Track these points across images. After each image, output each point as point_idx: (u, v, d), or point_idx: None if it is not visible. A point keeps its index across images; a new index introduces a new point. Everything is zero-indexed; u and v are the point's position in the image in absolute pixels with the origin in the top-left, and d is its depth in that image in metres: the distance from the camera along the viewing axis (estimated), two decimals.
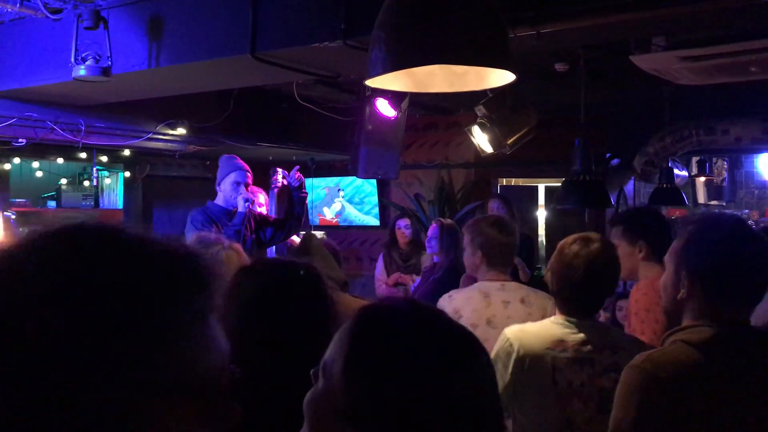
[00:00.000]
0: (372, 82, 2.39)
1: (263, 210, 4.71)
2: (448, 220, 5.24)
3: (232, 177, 4.22)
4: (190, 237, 4.21)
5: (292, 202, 4.57)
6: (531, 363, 2.03)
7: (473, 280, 2.97)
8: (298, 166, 4.57)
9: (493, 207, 5.41)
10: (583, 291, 2.10)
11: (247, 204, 4.12)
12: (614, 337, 2.15)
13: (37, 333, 0.57)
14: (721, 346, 1.53)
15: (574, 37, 2.99)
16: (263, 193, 4.91)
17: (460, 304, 2.69)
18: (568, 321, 2.08)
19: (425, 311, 0.92)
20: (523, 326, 2.14)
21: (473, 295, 2.70)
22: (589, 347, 2.04)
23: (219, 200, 4.23)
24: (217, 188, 4.29)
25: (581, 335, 2.05)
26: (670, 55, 3.31)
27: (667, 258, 1.70)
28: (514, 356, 2.04)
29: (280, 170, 4.89)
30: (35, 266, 0.61)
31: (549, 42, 2.82)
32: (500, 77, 2.38)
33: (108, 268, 0.62)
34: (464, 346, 0.89)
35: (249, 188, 4.23)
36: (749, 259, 1.58)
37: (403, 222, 5.76)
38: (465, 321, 2.52)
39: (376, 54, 2.27)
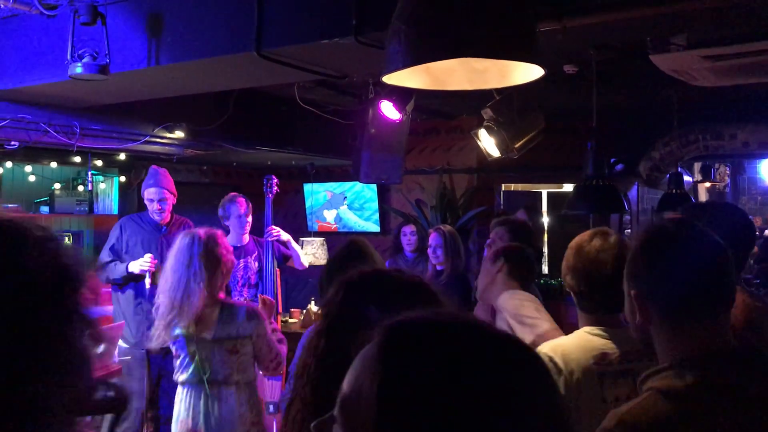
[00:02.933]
0: (389, 79, 2.26)
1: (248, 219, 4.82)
2: (448, 227, 5.13)
3: (147, 193, 4.61)
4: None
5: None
6: (579, 382, 1.84)
7: None
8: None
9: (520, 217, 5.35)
10: (614, 286, 1.96)
11: (140, 269, 4.39)
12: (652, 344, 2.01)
13: None
14: (697, 394, 1.29)
15: (598, 33, 2.87)
16: (246, 204, 4.89)
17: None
18: (605, 330, 1.92)
19: (467, 320, 0.76)
20: (558, 341, 1.96)
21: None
22: (630, 357, 1.88)
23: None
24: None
25: (621, 345, 1.90)
26: (692, 54, 3.19)
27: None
28: (561, 377, 1.83)
29: (274, 178, 4.96)
30: None
31: (573, 38, 2.70)
32: (525, 73, 2.25)
33: None
34: (524, 356, 0.74)
35: (160, 204, 4.57)
36: (697, 269, 1.36)
37: (409, 228, 5.65)
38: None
39: (394, 48, 2.14)
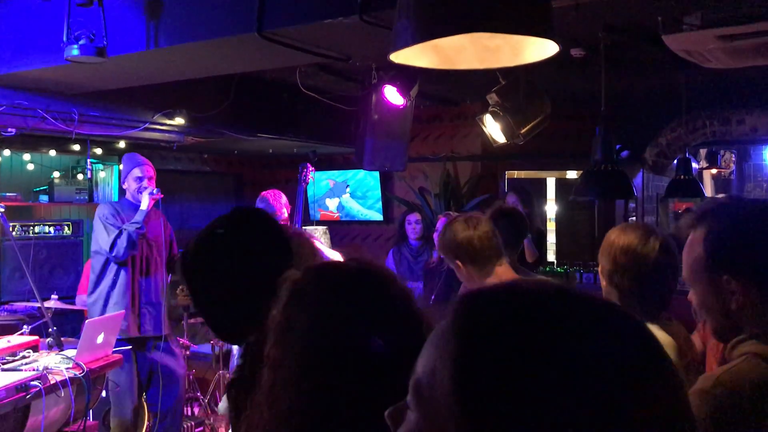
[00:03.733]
0: (396, 57, 2.17)
1: (284, 211, 4.83)
2: (456, 213, 5.06)
3: (134, 173, 4.54)
4: (98, 230, 4.47)
5: None
6: None
7: None
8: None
9: (510, 201, 5.22)
10: (660, 281, 1.92)
11: (151, 197, 4.42)
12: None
13: None
14: None
15: (609, 11, 2.77)
16: (282, 197, 4.88)
17: None
18: (660, 328, 1.86)
19: (554, 285, 0.64)
20: None
21: None
22: (683, 353, 1.83)
23: (127, 196, 4.62)
24: (122, 186, 4.68)
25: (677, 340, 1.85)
26: (706, 34, 3.10)
27: (688, 268, 1.40)
28: None
29: (309, 166, 4.92)
30: None
31: (584, 17, 2.61)
32: (539, 50, 2.16)
33: None
34: (629, 325, 0.62)
35: (151, 182, 4.53)
36: None
37: (414, 217, 5.58)
38: None
39: (403, 24, 2.05)
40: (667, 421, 0.57)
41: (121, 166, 6.45)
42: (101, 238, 4.43)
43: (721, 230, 1.36)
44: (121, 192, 6.49)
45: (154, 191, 4.42)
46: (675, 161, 6.33)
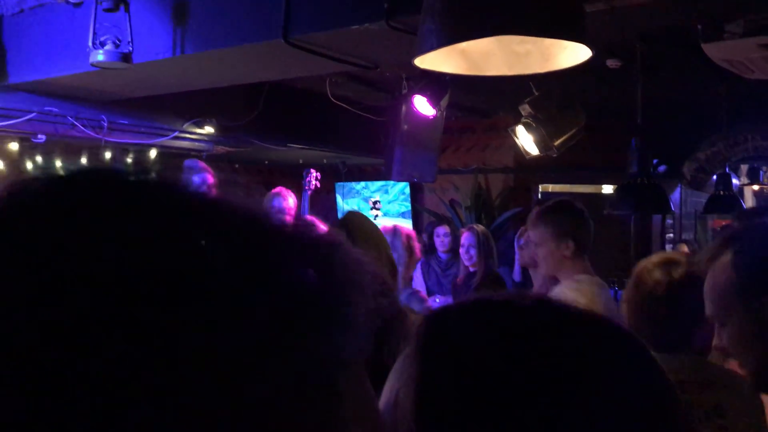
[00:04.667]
0: (421, 62, 2.09)
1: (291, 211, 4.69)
2: (481, 227, 4.96)
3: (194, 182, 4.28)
4: None
5: None
6: None
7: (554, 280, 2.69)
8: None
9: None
10: (666, 327, 1.73)
11: None
12: (710, 371, 1.77)
13: None
14: None
15: (646, 17, 2.66)
16: (292, 195, 4.77)
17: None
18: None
19: (527, 297, 0.58)
20: None
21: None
22: (684, 388, 1.65)
23: None
24: None
25: (674, 374, 1.68)
26: (748, 43, 2.97)
27: (715, 302, 1.18)
28: None
29: (313, 171, 4.79)
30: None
31: (619, 25, 2.50)
32: (571, 56, 2.06)
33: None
34: (609, 333, 0.56)
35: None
36: None
37: (443, 229, 5.49)
38: None
39: (428, 27, 1.97)
40: None
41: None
42: None
43: (755, 248, 1.14)
44: None
45: None
46: (714, 177, 6.14)
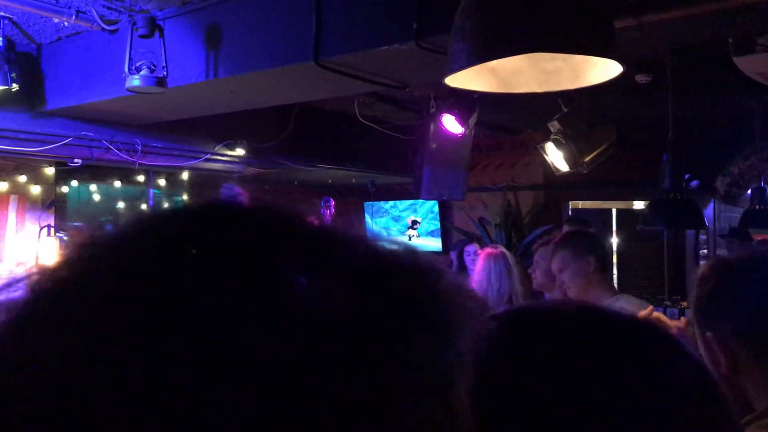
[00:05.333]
0: (452, 80, 2.11)
1: None
2: (503, 249, 4.93)
3: None
4: None
5: None
6: None
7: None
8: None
9: None
10: None
11: None
12: None
13: None
14: None
15: (676, 32, 2.65)
16: None
17: None
18: None
19: (576, 305, 0.59)
20: None
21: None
22: None
23: None
24: None
25: None
26: None
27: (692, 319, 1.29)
28: None
29: (332, 200, 4.85)
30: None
31: (649, 40, 2.50)
32: (602, 72, 2.06)
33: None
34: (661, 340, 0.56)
35: None
36: None
37: (472, 248, 5.47)
38: None
39: (458, 45, 1.99)
40: None
41: (185, 198, 6.60)
42: None
43: (714, 281, 1.23)
44: None
45: None
46: (749, 191, 6.05)
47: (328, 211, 4.98)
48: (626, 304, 2.42)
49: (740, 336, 1.14)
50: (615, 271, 7.63)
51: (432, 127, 5.07)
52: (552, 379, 0.51)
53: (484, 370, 0.52)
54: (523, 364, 0.52)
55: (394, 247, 0.39)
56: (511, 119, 6.38)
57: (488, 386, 0.51)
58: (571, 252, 2.61)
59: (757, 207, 5.37)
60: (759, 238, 7.20)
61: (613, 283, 2.61)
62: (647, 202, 4.54)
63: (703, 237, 7.02)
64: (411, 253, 0.39)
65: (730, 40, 3.23)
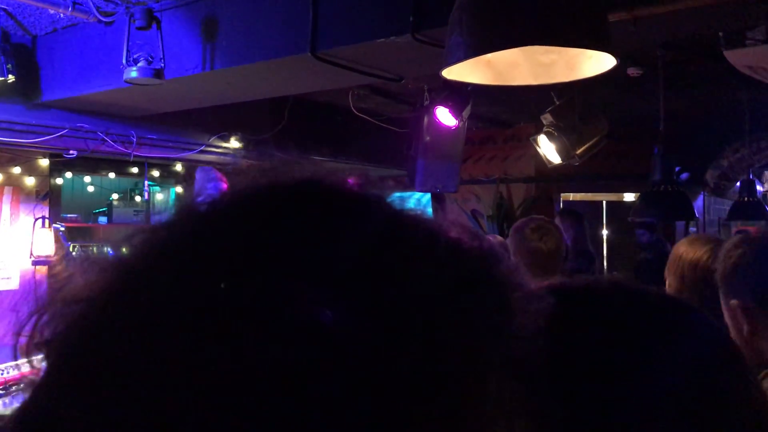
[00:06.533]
0: (448, 73, 2.14)
1: None
2: (500, 238, 4.99)
3: (208, 190, 4.12)
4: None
5: None
6: None
7: None
8: None
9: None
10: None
11: None
12: None
13: None
14: None
15: (669, 26, 2.70)
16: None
17: None
18: None
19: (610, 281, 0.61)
20: None
21: None
22: None
23: None
24: None
25: None
26: None
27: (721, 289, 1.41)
28: None
29: None
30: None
31: (642, 34, 2.54)
32: (596, 64, 2.10)
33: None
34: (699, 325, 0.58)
35: None
36: None
37: None
38: None
39: (455, 39, 2.02)
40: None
41: (179, 189, 6.61)
42: None
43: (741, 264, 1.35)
44: None
45: None
46: (738, 183, 6.12)
47: None
48: None
49: (760, 304, 1.26)
50: (605, 261, 7.71)
51: (426, 119, 5.10)
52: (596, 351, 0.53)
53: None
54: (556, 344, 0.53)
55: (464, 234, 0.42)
56: (504, 112, 6.43)
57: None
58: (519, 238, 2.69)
59: (746, 199, 5.44)
60: (739, 228, 7.29)
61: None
62: (638, 194, 4.60)
63: (693, 229, 7.09)
64: (476, 238, 0.42)
65: (720, 33, 3.28)
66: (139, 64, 3.09)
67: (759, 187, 7.19)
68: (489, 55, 2.17)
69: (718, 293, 1.84)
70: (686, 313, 0.59)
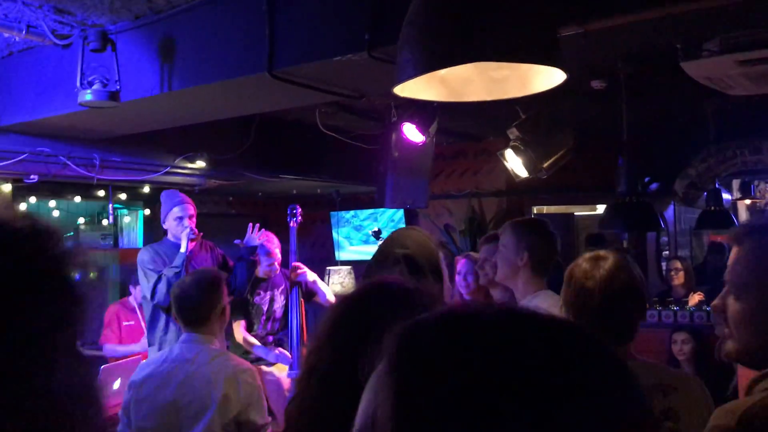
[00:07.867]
0: (401, 90, 2.12)
1: (277, 252, 4.69)
2: (477, 254, 4.96)
3: (174, 212, 4.31)
4: (140, 277, 4.19)
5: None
6: None
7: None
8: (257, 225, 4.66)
9: None
10: (603, 318, 1.79)
11: (189, 240, 4.22)
12: (662, 374, 1.80)
13: None
14: None
15: (623, 39, 2.71)
16: (275, 239, 4.74)
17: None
18: None
19: (501, 309, 0.58)
20: None
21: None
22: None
23: (169, 236, 4.36)
24: (163, 226, 4.42)
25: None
26: (726, 60, 3.01)
27: (735, 270, 1.35)
28: None
29: (299, 208, 4.78)
30: None
31: (598, 47, 2.54)
32: (547, 80, 2.09)
33: None
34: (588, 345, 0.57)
35: (191, 221, 4.32)
36: None
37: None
38: None
39: (405, 55, 2.00)
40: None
41: (147, 212, 6.53)
42: (143, 284, 4.21)
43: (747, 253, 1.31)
44: (146, 237, 6.53)
45: (193, 234, 4.22)
46: (706, 193, 6.18)
47: (296, 219, 4.88)
48: (542, 302, 2.46)
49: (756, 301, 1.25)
50: None
51: (394, 136, 5.08)
52: (466, 381, 0.51)
53: (408, 379, 0.52)
54: (444, 373, 0.52)
55: None
56: (473, 126, 6.44)
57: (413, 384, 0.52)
58: (512, 241, 2.67)
59: (713, 208, 5.48)
60: (719, 239, 7.35)
61: (543, 283, 2.65)
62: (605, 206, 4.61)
63: (664, 239, 7.13)
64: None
65: (678, 45, 3.30)
66: (94, 87, 3.04)
67: (727, 196, 7.27)
68: (442, 72, 2.16)
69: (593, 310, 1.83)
70: (574, 334, 0.56)
